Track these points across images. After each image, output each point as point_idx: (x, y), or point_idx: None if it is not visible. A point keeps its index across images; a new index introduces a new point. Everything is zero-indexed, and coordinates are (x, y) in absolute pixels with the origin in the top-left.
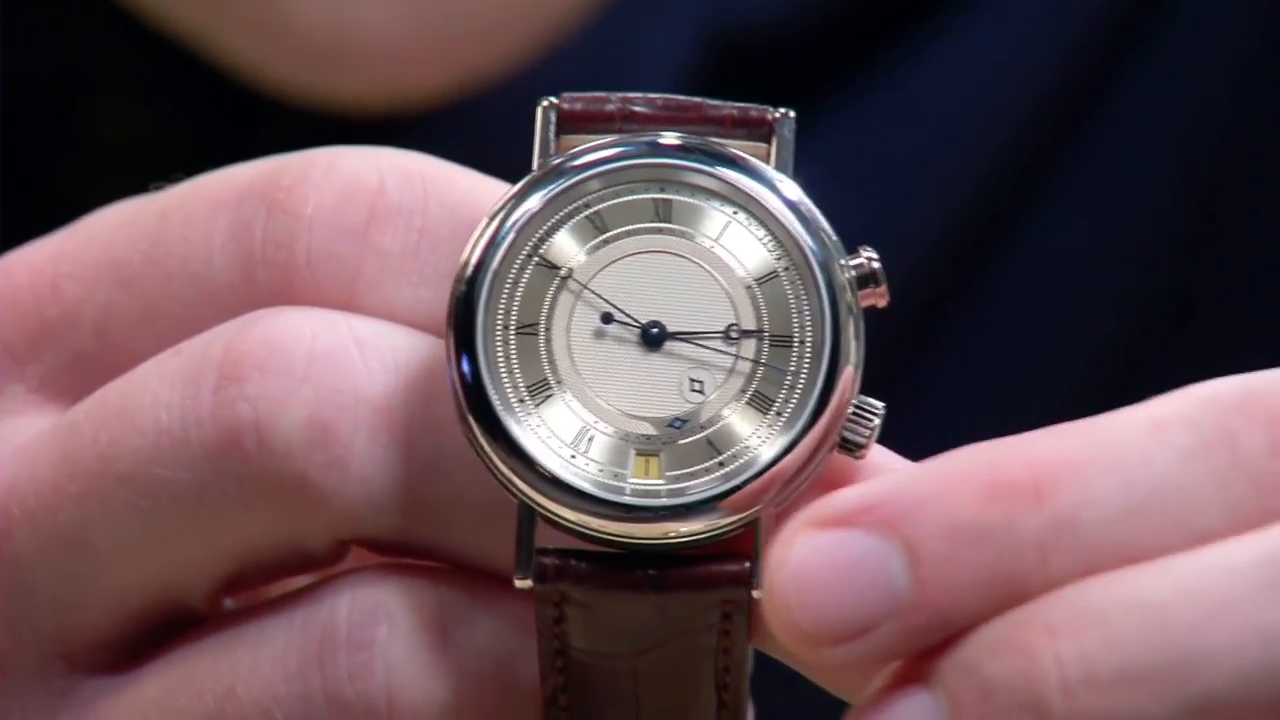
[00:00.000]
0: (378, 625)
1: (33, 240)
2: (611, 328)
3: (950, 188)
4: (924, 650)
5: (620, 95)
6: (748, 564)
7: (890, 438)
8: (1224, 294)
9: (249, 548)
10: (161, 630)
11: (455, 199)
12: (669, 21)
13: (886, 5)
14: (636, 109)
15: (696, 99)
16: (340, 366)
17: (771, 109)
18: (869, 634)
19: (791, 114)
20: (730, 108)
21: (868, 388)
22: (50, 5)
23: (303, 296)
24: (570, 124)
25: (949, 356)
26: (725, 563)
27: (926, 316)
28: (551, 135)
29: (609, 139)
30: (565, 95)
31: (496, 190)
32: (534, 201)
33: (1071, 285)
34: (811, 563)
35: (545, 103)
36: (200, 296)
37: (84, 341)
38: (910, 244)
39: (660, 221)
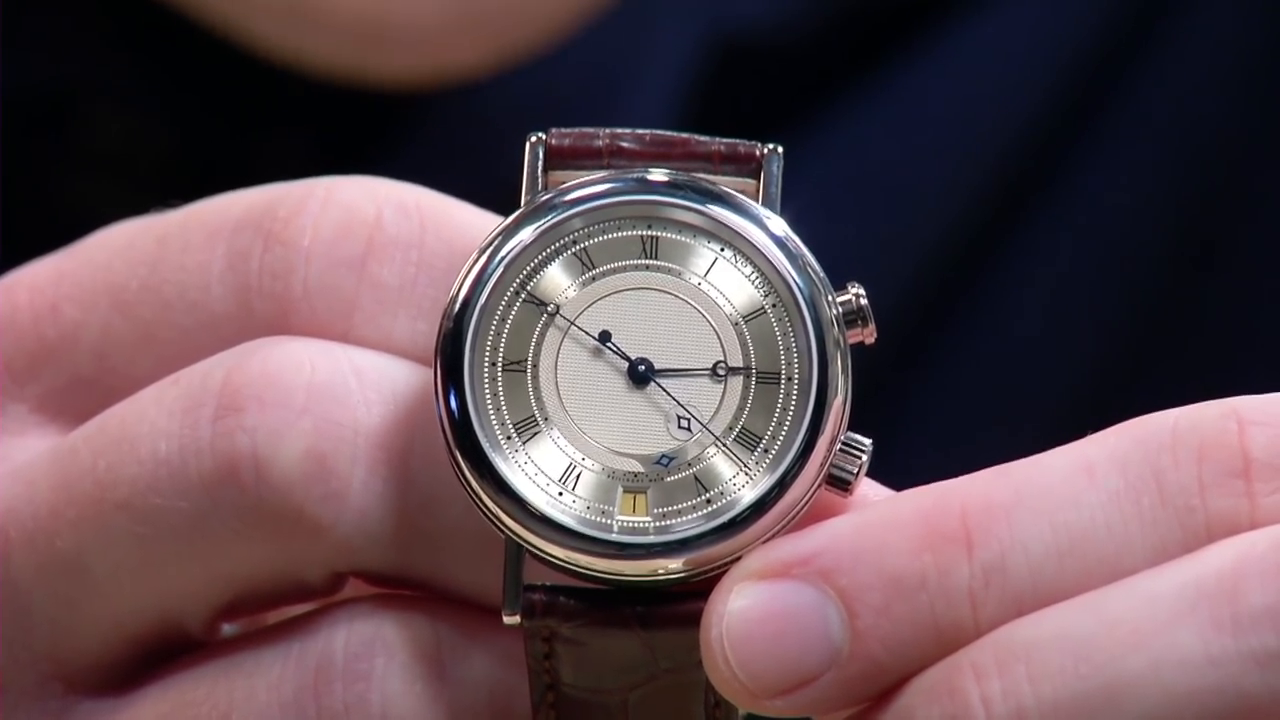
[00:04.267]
0: (375, 657)
1: (28, 251)
2: (599, 366)
3: (949, 195)
4: (867, 698)
5: (609, 131)
6: None
7: (883, 457)
8: (1222, 306)
9: (246, 577)
10: (158, 654)
11: (451, 232)
12: (674, 22)
13: (885, 14)
14: (624, 145)
15: (684, 134)
16: (339, 398)
17: (760, 144)
18: (808, 686)
19: (780, 149)
20: (718, 143)
21: (862, 407)
22: (44, 15)
23: (299, 328)
24: (559, 159)
25: (944, 369)
26: None
27: (921, 328)
28: (540, 170)
29: (598, 175)
30: (554, 131)
31: (491, 223)
32: (522, 237)
33: (1068, 297)
34: (748, 615)
35: (534, 138)
36: (197, 325)
37: (83, 364)
38: (907, 250)
39: (648, 258)
